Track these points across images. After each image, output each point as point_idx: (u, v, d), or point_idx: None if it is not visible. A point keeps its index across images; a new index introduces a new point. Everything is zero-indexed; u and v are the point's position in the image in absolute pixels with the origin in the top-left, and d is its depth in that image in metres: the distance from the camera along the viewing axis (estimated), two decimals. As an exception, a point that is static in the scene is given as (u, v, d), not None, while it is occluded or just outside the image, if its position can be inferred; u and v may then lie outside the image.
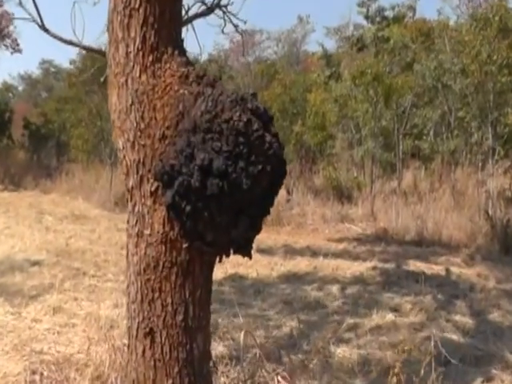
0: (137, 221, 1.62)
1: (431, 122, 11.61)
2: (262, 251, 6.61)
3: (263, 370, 2.45)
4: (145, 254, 1.58)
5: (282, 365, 2.66)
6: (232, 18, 6.37)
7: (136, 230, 1.61)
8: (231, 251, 1.63)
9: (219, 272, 5.03)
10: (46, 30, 4.51)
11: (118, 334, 2.83)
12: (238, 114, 1.49)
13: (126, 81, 1.68)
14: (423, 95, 11.19)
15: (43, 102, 23.36)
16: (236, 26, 6.35)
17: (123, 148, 1.69)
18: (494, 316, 4.39)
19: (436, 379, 2.39)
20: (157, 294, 1.55)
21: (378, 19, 13.97)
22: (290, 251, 7.10)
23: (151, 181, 1.60)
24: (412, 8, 15.05)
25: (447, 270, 6.17)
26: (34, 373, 2.58)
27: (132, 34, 1.67)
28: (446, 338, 3.74)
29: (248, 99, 1.55)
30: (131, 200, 1.66)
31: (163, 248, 1.56)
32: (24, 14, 5.49)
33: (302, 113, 13.36)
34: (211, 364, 1.76)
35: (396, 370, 2.11)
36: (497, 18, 8.47)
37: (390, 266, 6.37)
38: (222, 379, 2.55)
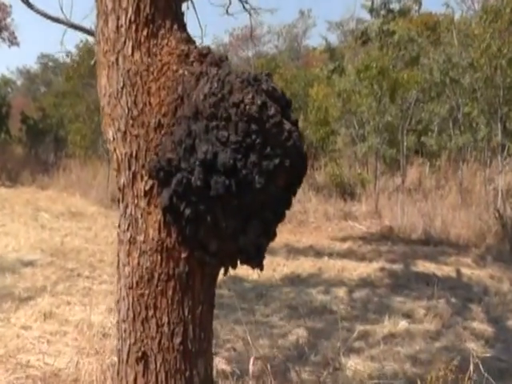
0: (129, 225, 1.37)
1: (438, 118, 11.37)
2: (263, 251, 6.30)
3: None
4: (137, 264, 1.33)
5: (289, 381, 2.41)
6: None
7: (128, 235, 1.36)
8: (238, 262, 1.38)
9: (218, 273, 4.73)
10: (30, 6, 4.22)
11: (111, 345, 2.59)
12: (250, 96, 1.23)
13: (117, 59, 1.43)
14: (429, 90, 10.95)
15: (42, 97, 23.10)
16: (245, 2, 5.90)
17: (113, 139, 1.44)
18: (513, 323, 4.14)
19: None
20: (151, 312, 1.30)
21: (382, 13, 13.68)
22: (293, 251, 6.85)
23: (145, 178, 1.35)
24: (417, 1, 14.75)
25: (458, 272, 5.95)
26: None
27: (124, 4, 1.42)
28: (466, 348, 3.49)
29: (262, 79, 1.29)
30: (123, 200, 1.41)
31: (159, 258, 1.32)
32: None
33: (303, 108, 13.10)
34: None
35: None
36: (508, 10, 8.21)
37: (398, 266, 6.14)
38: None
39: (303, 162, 1.36)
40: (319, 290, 4.92)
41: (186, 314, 1.30)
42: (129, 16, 1.41)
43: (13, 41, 17.78)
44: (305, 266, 6.07)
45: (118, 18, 1.42)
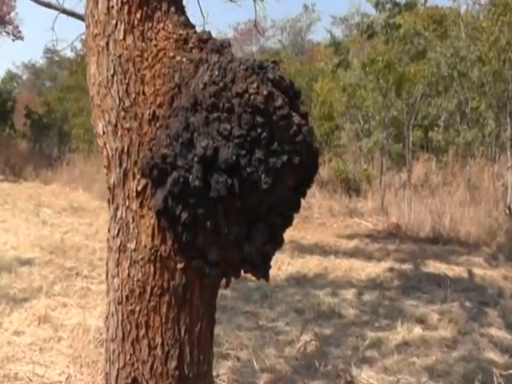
0: (119, 230, 1.21)
1: (446, 113, 11.19)
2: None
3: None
4: (128, 275, 1.18)
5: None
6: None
7: (117, 242, 1.21)
8: (242, 271, 1.23)
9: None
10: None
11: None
12: (254, 85, 1.07)
13: (107, 44, 1.28)
14: (437, 84, 10.77)
15: (47, 91, 23.07)
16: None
17: (103, 133, 1.28)
18: (533, 328, 3.92)
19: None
20: (142, 332, 1.14)
21: (388, 6, 13.42)
22: (298, 248, 6.66)
23: (138, 176, 1.20)
24: (424, -6, 14.51)
25: (470, 272, 5.71)
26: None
27: (115, -18, 1.26)
28: (485, 359, 3.29)
29: (268, 67, 1.13)
30: (113, 202, 1.25)
31: (152, 268, 1.16)
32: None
33: (307, 103, 12.91)
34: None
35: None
36: (517, 3, 7.97)
37: (408, 266, 5.89)
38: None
39: (314, 160, 1.20)
40: (326, 292, 4.69)
41: (183, 333, 1.15)
42: (121, -5, 1.25)
43: (17, 35, 17.69)
44: (310, 265, 5.84)
45: (109, -2, 1.27)
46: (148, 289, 1.16)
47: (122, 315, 1.16)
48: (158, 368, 1.12)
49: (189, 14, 1.40)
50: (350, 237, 7.84)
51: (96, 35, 1.31)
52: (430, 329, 3.82)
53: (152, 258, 1.16)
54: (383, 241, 7.51)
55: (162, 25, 1.30)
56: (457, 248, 6.96)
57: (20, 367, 2.62)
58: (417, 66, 10.06)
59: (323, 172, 11.69)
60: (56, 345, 2.98)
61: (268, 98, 1.08)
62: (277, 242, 1.22)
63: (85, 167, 13.61)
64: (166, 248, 1.17)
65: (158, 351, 1.13)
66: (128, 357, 1.14)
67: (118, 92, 1.23)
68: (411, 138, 10.40)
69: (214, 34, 1.33)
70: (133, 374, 1.14)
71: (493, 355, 3.32)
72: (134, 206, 1.19)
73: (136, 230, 1.18)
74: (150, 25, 1.30)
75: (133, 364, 1.14)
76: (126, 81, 1.23)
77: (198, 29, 1.37)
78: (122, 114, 1.23)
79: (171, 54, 1.26)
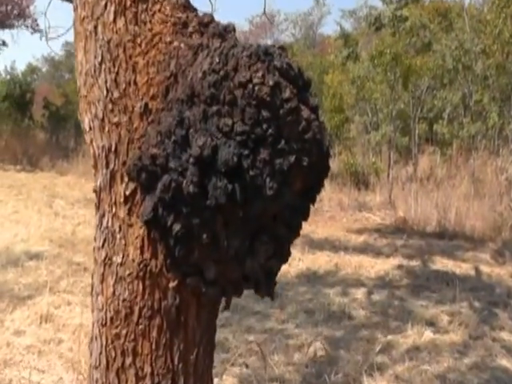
0: (104, 241, 1.06)
1: (450, 105, 11.00)
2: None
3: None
4: (113, 294, 1.02)
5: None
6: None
7: (102, 255, 1.06)
8: (243, 289, 1.07)
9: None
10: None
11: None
12: (260, 74, 0.91)
13: (95, 28, 1.12)
14: (442, 77, 10.59)
15: (65, 83, 23.28)
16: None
17: (90, 129, 1.13)
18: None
19: None
20: (129, 360, 0.99)
21: (395, -2, 13.11)
22: (308, 243, 6.58)
23: (126, 179, 1.04)
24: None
25: (477, 270, 5.65)
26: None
27: (103, -44, 1.10)
28: (498, 366, 3.17)
29: (275, 54, 0.96)
30: (98, 208, 1.10)
31: (140, 286, 1.01)
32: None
33: (318, 95, 12.75)
34: None
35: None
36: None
37: (416, 263, 5.86)
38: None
39: (324, 161, 1.03)
40: (336, 291, 4.62)
41: (176, 361, 0.99)
42: (110, -29, 1.09)
43: (35, 28, 17.77)
44: (321, 261, 5.83)
45: (97, -26, 1.11)
46: (136, 310, 1.01)
47: (106, 339, 1.01)
48: (146, 402, 0.97)
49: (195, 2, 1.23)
50: (359, 231, 7.83)
51: (84, 18, 1.16)
52: (441, 332, 3.75)
53: (141, 274, 1.01)
54: (391, 236, 7.47)
55: (158, 6, 1.14)
56: (462, 243, 6.94)
57: (16, 372, 2.52)
58: (422, 59, 9.90)
59: (333, 165, 11.67)
60: (56, 347, 2.87)
61: (275, 88, 0.91)
62: (283, 256, 1.06)
63: (100, 159, 13.61)
64: (156, 263, 1.01)
65: (147, 382, 0.98)
66: (112, 388, 0.99)
67: (106, 82, 1.07)
68: (417, 131, 10.30)
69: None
70: (117, 408, 0.99)
71: (506, 362, 3.24)
72: (122, 213, 1.04)
73: (123, 242, 1.03)
74: (145, 6, 1.13)
75: (117, 396, 0.99)
76: (116, 69, 1.07)
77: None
78: (110, 106, 1.07)
79: (168, 40, 1.09)
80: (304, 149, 0.93)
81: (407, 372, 2.98)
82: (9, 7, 15.84)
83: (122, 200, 1.04)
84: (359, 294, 4.61)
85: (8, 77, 19.13)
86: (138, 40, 1.09)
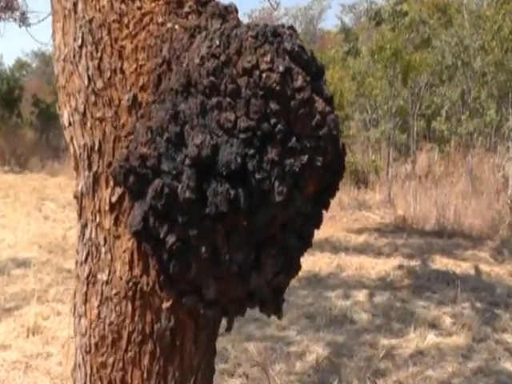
0: (87, 255, 0.92)
1: (449, 102, 11.01)
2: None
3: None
4: (98, 316, 0.88)
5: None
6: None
7: (85, 271, 0.92)
8: (246, 308, 0.94)
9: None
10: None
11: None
12: (267, 58, 0.77)
13: (75, 5, 0.97)
14: (441, 73, 10.58)
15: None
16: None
17: (69, 124, 0.98)
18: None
19: None
20: (116, 393, 0.85)
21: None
22: (309, 243, 6.50)
23: (112, 184, 0.90)
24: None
25: (477, 269, 5.62)
26: None
27: None
28: (503, 370, 3.09)
29: (284, 35, 0.82)
30: (80, 216, 0.96)
31: (129, 307, 0.87)
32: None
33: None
34: None
35: None
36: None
37: (416, 263, 5.83)
38: None
39: (340, 160, 0.90)
40: (338, 294, 4.53)
41: (170, 394, 0.85)
42: None
43: (23, 21, 17.42)
44: (321, 263, 5.75)
45: None
46: (124, 334, 0.87)
47: (91, 368, 0.87)
48: None
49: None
50: (359, 231, 7.77)
51: (62, -4, 1.01)
52: (444, 335, 3.68)
53: (129, 293, 0.87)
54: (391, 235, 7.43)
55: (148, -17, 1.00)
56: (461, 241, 6.93)
57: (-3, 393, 2.35)
58: (422, 55, 9.87)
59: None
60: (44, 362, 2.70)
61: (285, 76, 0.77)
62: (292, 270, 0.92)
63: (91, 159, 13.35)
64: (148, 280, 0.87)
65: (137, 420, 0.84)
66: (96, 427, 0.85)
67: (88, 69, 0.93)
68: (415, 128, 10.29)
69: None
70: None
71: (510, 366, 3.18)
72: (107, 222, 0.90)
73: (109, 256, 0.89)
74: (133, -18, 0.99)
75: None
76: (99, 54, 0.93)
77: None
78: (93, 98, 0.93)
79: (160, 20, 0.95)
80: (318, 147, 0.80)
81: (411, 378, 2.90)
82: (-6, -1, 15.50)
83: (107, 208, 0.90)
84: (361, 296, 4.54)
85: (-6, 72, 18.73)
86: (125, 20, 0.94)
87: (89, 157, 0.93)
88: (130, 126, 0.91)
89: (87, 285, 0.91)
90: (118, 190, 0.89)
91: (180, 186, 0.77)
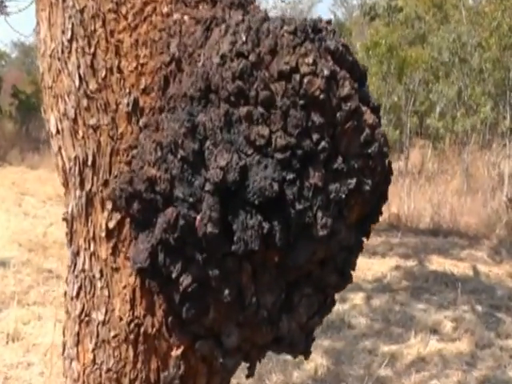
0: (79, 289, 0.77)
1: (446, 99, 11.03)
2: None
3: None
4: (93, 361, 0.74)
5: None
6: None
7: (77, 308, 0.77)
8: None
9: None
10: None
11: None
12: (309, 59, 0.62)
13: (64, -7, 0.81)
14: (436, 70, 10.55)
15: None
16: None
17: (57, 132, 0.82)
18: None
19: None
20: None
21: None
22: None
23: (109, 206, 0.74)
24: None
25: (475, 270, 5.54)
26: None
27: None
28: (509, 379, 3.01)
29: (326, 32, 0.68)
30: (71, 242, 0.80)
31: (131, 352, 0.72)
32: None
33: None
34: None
35: None
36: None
37: (413, 263, 5.72)
38: None
39: (387, 181, 0.76)
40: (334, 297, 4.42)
41: None
42: None
43: (2, 10, 16.81)
44: None
45: None
46: (125, 383, 0.73)
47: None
48: None
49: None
50: None
51: (48, -20, 0.84)
52: (446, 340, 3.57)
53: (131, 336, 0.72)
54: (385, 233, 7.30)
55: (150, -34, 0.84)
56: (457, 240, 6.82)
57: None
58: (418, 51, 9.85)
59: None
60: (24, 373, 2.52)
61: (330, 82, 0.63)
62: (327, 309, 0.79)
63: (73, 152, 13.03)
64: (153, 322, 0.73)
65: None
66: None
67: (79, 67, 0.77)
68: (409, 125, 10.29)
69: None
70: None
71: None
72: (104, 252, 0.75)
73: (106, 292, 0.74)
74: (132, -36, 0.83)
75: None
76: (92, 50, 0.77)
77: None
78: (85, 102, 0.77)
79: (165, 10, 0.80)
80: (367, 167, 0.66)
81: (414, 388, 2.77)
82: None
83: (103, 234, 0.75)
84: (358, 299, 4.42)
85: (-29, 62, 18.16)
86: (123, 9, 0.79)
87: (81, 172, 0.78)
88: (130, 137, 0.76)
89: (79, 324, 0.75)
90: (117, 216, 0.74)
91: (199, 218, 0.62)
